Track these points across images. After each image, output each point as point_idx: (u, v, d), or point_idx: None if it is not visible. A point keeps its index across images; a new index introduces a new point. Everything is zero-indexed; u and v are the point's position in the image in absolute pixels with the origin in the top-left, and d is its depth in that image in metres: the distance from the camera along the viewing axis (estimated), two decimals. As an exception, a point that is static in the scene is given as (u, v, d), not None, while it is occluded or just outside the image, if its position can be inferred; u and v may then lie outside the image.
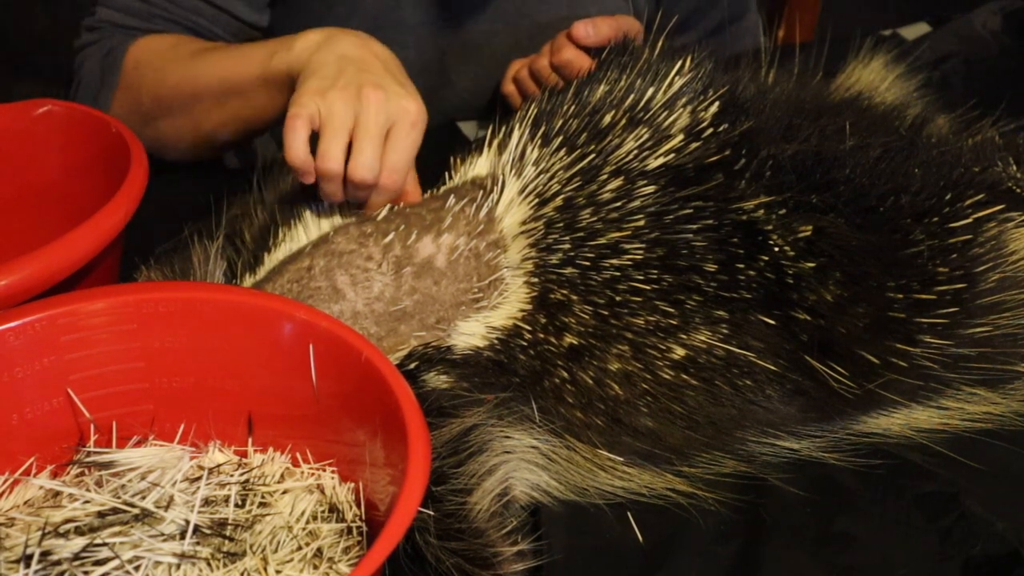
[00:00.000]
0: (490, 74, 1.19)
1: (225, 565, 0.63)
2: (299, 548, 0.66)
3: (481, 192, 0.82)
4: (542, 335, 0.76)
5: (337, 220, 0.85)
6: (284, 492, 0.70)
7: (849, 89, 1.00)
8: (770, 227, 0.76)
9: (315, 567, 0.65)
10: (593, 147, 0.80)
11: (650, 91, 0.82)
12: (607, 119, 0.81)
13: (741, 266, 0.76)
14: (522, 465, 0.74)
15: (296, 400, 0.71)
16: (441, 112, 1.27)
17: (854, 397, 0.76)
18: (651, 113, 0.81)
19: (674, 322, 0.75)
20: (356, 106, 0.81)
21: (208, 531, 0.65)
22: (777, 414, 0.77)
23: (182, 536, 0.64)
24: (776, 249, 0.76)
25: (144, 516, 0.65)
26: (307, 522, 0.68)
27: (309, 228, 0.84)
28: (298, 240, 0.84)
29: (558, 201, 0.79)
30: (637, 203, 0.77)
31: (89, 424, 0.72)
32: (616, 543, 0.72)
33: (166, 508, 0.66)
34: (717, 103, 0.81)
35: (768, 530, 0.73)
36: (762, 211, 0.76)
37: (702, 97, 0.82)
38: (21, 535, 0.63)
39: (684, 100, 0.82)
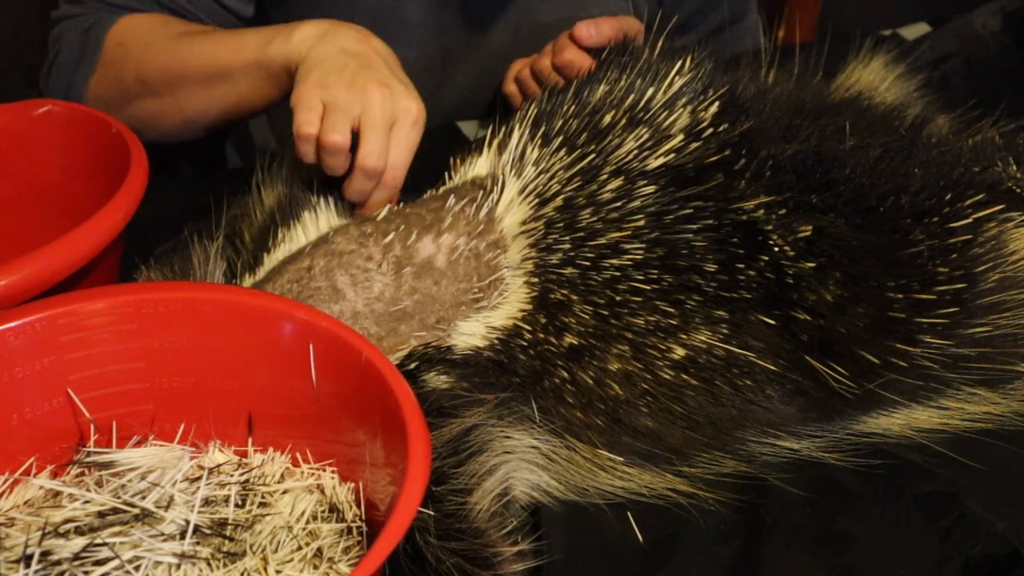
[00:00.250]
0: (491, 73, 1.19)
1: (225, 565, 0.63)
2: (299, 548, 0.66)
3: (481, 192, 0.82)
4: (542, 335, 0.76)
5: (337, 220, 0.85)
6: (284, 492, 0.70)
7: (849, 89, 1.00)
8: (770, 227, 0.76)
9: (315, 567, 0.65)
10: (593, 147, 0.80)
11: (650, 91, 0.82)
12: (607, 119, 0.81)
13: (741, 266, 0.76)
14: (522, 465, 0.74)
15: (296, 400, 0.71)
16: (442, 111, 1.27)
17: (854, 397, 0.76)
18: (651, 113, 0.81)
19: (674, 322, 0.75)
20: (362, 98, 0.81)
21: (208, 531, 0.65)
22: (777, 414, 0.77)
23: (182, 536, 0.64)
24: (776, 249, 0.76)
25: (144, 516, 0.65)
26: (307, 522, 0.68)
27: (308, 228, 0.84)
28: (297, 240, 0.84)
29: (558, 201, 0.79)
30: (637, 203, 0.77)
31: (89, 424, 0.72)
32: (616, 543, 0.72)
33: (166, 508, 0.66)
34: (717, 103, 0.81)
35: (768, 530, 0.73)
36: (762, 211, 0.76)
37: (702, 97, 0.82)
38: (21, 535, 0.63)
39: (684, 100, 0.82)
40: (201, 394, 0.73)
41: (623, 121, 0.81)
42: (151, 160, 0.85)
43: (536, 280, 0.77)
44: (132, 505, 0.66)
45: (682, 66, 0.83)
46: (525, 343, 0.76)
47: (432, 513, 0.66)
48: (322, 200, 0.86)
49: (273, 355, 0.71)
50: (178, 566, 0.62)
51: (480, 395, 0.73)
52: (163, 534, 0.64)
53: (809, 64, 0.98)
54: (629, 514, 0.74)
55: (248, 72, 0.93)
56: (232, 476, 0.70)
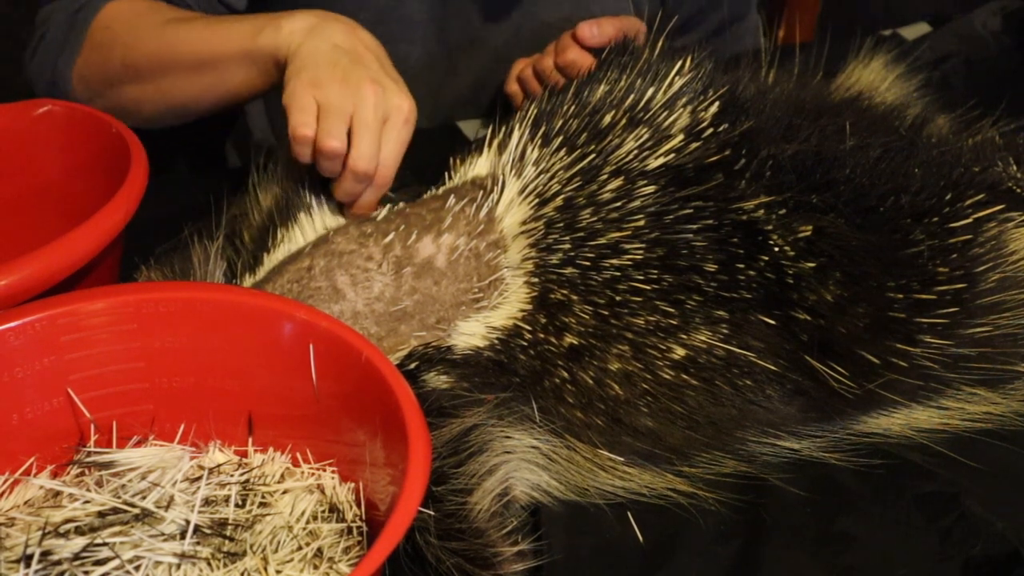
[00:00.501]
0: (493, 72, 1.19)
1: (225, 565, 0.63)
2: (299, 548, 0.66)
3: (481, 192, 0.82)
4: (542, 335, 0.76)
5: (336, 220, 0.85)
6: (284, 492, 0.70)
7: (849, 89, 1.00)
8: (770, 227, 0.76)
9: (315, 567, 0.65)
10: (593, 147, 0.80)
11: (650, 91, 0.82)
12: (607, 119, 0.81)
13: (741, 266, 0.76)
14: (522, 465, 0.74)
15: (296, 400, 0.71)
16: (444, 109, 1.27)
17: (854, 397, 0.76)
18: (651, 113, 0.81)
19: (674, 322, 0.75)
20: (354, 98, 0.81)
21: (208, 531, 0.65)
22: (777, 414, 0.77)
23: (182, 536, 0.64)
24: (776, 249, 0.76)
25: (144, 516, 0.65)
26: (307, 522, 0.68)
27: (306, 228, 0.84)
28: (297, 240, 0.84)
29: (558, 201, 0.79)
30: (637, 203, 0.77)
31: (89, 424, 0.72)
32: (616, 543, 0.72)
33: (166, 508, 0.66)
34: (717, 103, 0.81)
35: (768, 530, 0.73)
36: (762, 211, 0.76)
37: (702, 97, 0.82)
38: (21, 535, 0.63)
39: (684, 100, 0.82)
40: (201, 394, 0.73)
41: (623, 121, 0.81)
42: (151, 160, 0.84)
43: (536, 280, 0.77)
44: (132, 505, 0.66)
45: (682, 66, 0.83)
46: (525, 343, 0.76)
47: (432, 513, 0.66)
48: (318, 200, 0.86)
49: (273, 355, 0.71)
50: (178, 566, 0.62)
51: (480, 395, 0.73)
52: (163, 534, 0.64)
53: (809, 64, 0.98)
54: (629, 514, 0.74)
55: (236, 61, 0.93)
56: (232, 476, 0.70)
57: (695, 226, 0.76)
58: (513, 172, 0.82)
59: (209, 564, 0.63)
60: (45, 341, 0.69)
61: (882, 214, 0.78)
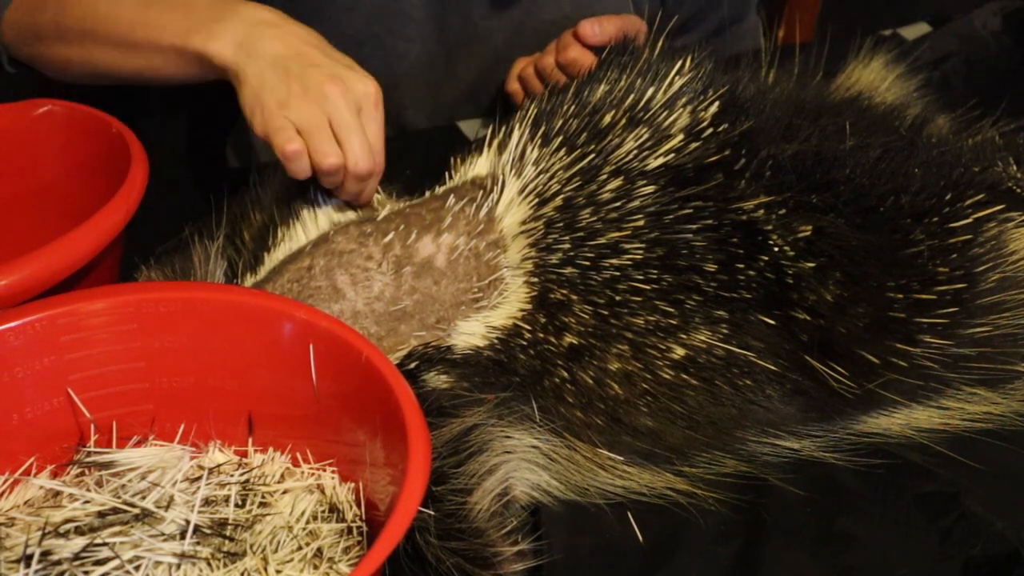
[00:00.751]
0: (494, 70, 1.19)
1: (225, 565, 0.63)
2: (299, 548, 0.66)
3: (481, 192, 0.82)
4: (542, 335, 0.76)
5: (337, 219, 0.85)
6: (284, 492, 0.70)
7: (849, 89, 1.00)
8: (770, 227, 0.76)
9: (315, 567, 0.65)
10: (593, 147, 0.80)
11: (650, 91, 0.82)
12: (607, 119, 0.81)
13: (741, 266, 0.76)
14: (522, 465, 0.74)
15: (296, 400, 0.71)
16: (444, 108, 1.27)
17: (854, 397, 0.76)
18: (651, 113, 0.81)
19: (674, 322, 0.75)
20: (324, 105, 0.80)
21: (208, 531, 0.65)
22: (777, 414, 0.77)
23: (182, 536, 0.64)
24: (776, 249, 0.76)
25: (144, 516, 0.65)
26: (307, 522, 0.68)
27: (308, 228, 0.84)
28: (297, 240, 0.84)
29: (558, 201, 0.79)
30: (637, 203, 0.77)
31: (89, 424, 0.72)
32: (616, 543, 0.72)
33: (166, 508, 0.66)
34: (717, 103, 0.81)
35: (768, 530, 0.73)
36: (762, 211, 0.76)
37: (702, 97, 0.82)
38: (21, 535, 0.63)
39: (684, 100, 0.82)
40: (201, 394, 0.73)
41: (623, 121, 0.81)
42: (151, 161, 0.85)
43: (536, 280, 0.77)
44: (132, 505, 0.66)
45: (682, 66, 0.83)
46: (525, 343, 0.76)
47: (432, 513, 0.66)
48: (318, 199, 0.86)
49: (273, 355, 0.71)
50: (178, 566, 0.62)
51: (480, 395, 0.73)
52: (163, 534, 0.64)
53: (809, 64, 0.98)
54: (629, 514, 0.74)
55: (165, 52, 0.91)
56: (232, 476, 0.70)
57: (695, 226, 0.76)
58: (513, 172, 0.82)
59: (209, 564, 0.63)
60: (45, 341, 0.69)
61: (882, 214, 0.78)
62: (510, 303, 0.77)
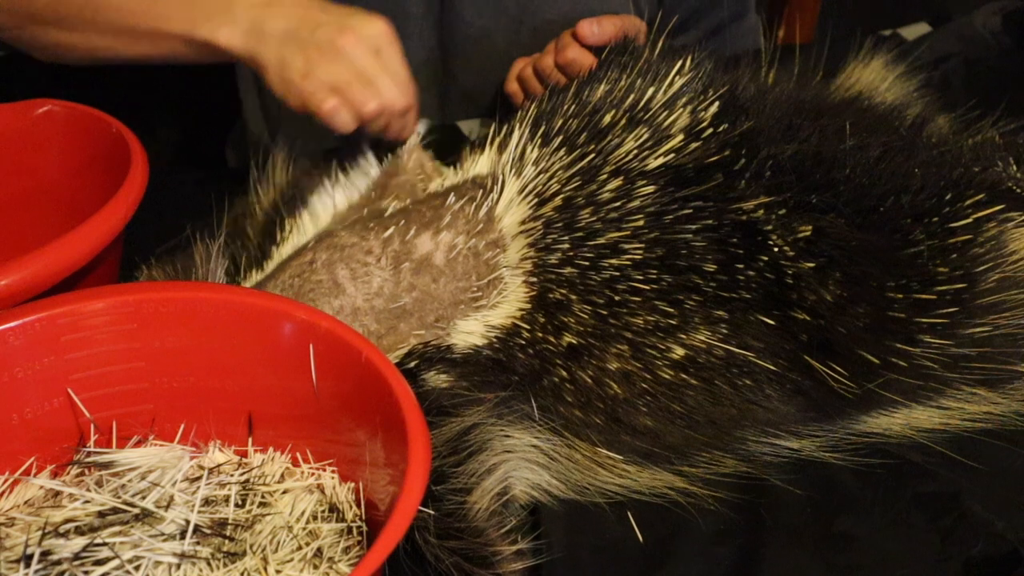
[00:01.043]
0: (493, 70, 1.19)
1: (225, 565, 0.63)
2: (299, 548, 0.66)
3: (481, 191, 0.82)
4: (541, 334, 0.76)
5: (341, 213, 0.85)
6: (284, 492, 0.70)
7: (849, 89, 1.00)
8: (770, 227, 0.76)
9: (315, 567, 0.65)
10: (593, 147, 0.80)
11: (650, 91, 0.82)
12: (607, 119, 0.81)
13: (741, 266, 0.76)
14: (522, 464, 0.74)
15: (296, 400, 0.71)
16: (444, 107, 1.27)
17: (854, 397, 0.76)
18: (651, 113, 0.81)
19: (673, 322, 0.75)
20: (345, 59, 0.82)
21: (208, 531, 0.65)
22: (777, 414, 0.77)
23: (182, 536, 0.64)
24: (776, 249, 0.76)
25: (144, 516, 0.65)
26: (307, 522, 0.68)
27: (314, 222, 0.85)
28: (304, 233, 0.84)
29: (557, 201, 0.79)
30: (637, 203, 0.77)
31: (89, 424, 0.72)
32: (616, 543, 0.72)
33: (166, 508, 0.66)
34: (717, 103, 0.81)
35: (768, 530, 0.73)
36: (762, 211, 0.76)
37: (702, 97, 0.82)
38: (21, 535, 0.64)
39: (684, 100, 0.82)
40: (201, 394, 0.73)
41: (623, 121, 0.81)
42: (151, 161, 0.85)
43: (535, 279, 0.77)
44: (132, 505, 0.66)
45: (682, 66, 0.83)
46: (524, 342, 0.76)
47: (432, 512, 0.66)
48: (324, 193, 0.86)
49: (273, 355, 0.71)
50: (178, 566, 0.62)
51: (479, 394, 0.73)
52: (163, 534, 0.64)
53: (809, 64, 0.98)
54: (629, 514, 0.74)
55: (172, 40, 0.91)
56: (232, 476, 0.70)
57: (695, 226, 0.76)
58: (513, 172, 0.82)
59: (209, 564, 0.63)
60: (45, 341, 0.69)
61: (882, 214, 0.78)
62: (509, 302, 0.77)
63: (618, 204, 0.77)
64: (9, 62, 1.33)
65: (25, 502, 0.69)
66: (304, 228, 0.84)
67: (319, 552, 0.66)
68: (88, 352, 0.70)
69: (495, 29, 1.19)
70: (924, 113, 1.00)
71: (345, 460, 0.71)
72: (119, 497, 0.67)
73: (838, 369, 0.75)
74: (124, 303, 0.70)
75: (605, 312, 0.75)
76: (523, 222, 0.79)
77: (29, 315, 0.68)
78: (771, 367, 0.76)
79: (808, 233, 0.75)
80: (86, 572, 0.61)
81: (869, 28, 1.15)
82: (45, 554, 0.62)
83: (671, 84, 0.82)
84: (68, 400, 0.71)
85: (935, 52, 1.22)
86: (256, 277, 0.82)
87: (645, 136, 0.80)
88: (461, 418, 0.71)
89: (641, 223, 0.77)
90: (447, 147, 0.95)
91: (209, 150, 1.48)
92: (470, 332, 0.76)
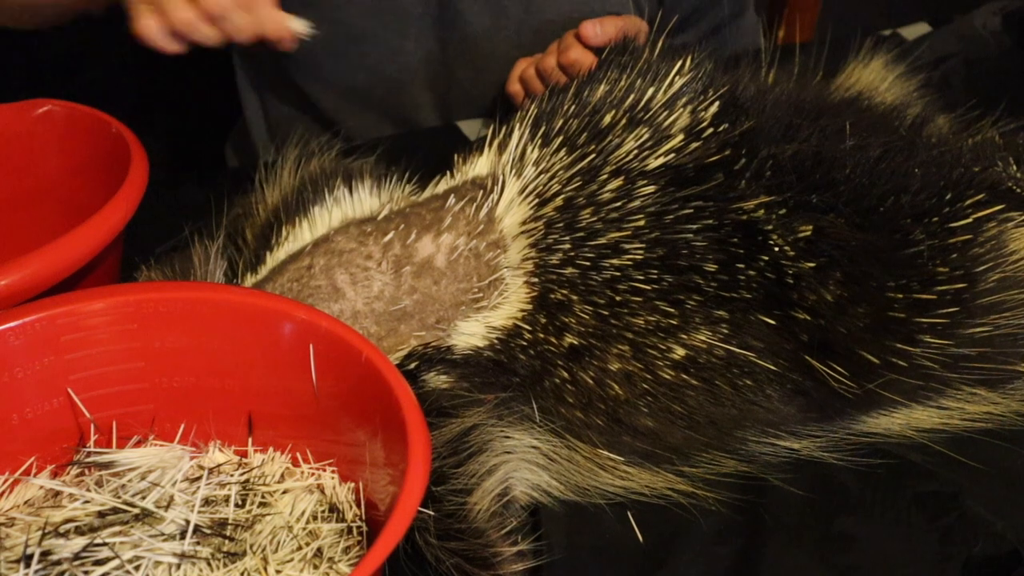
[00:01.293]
0: (494, 70, 1.19)
1: (225, 565, 0.63)
2: (299, 548, 0.66)
3: (481, 192, 0.82)
4: (542, 335, 0.76)
5: (338, 219, 0.85)
6: (284, 492, 0.70)
7: (849, 89, 1.00)
8: (770, 227, 0.76)
9: (315, 567, 0.65)
10: (593, 147, 0.80)
11: (650, 91, 0.82)
12: (607, 119, 0.81)
13: (741, 266, 0.76)
14: (522, 465, 0.74)
15: (296, 400, 0.71)
16: (444, 107, 1.27)
17: (854, 397, 0.76)
18: (651, 113, 0.81)
19: (674, 322, 0.75)
20: None
21: (208, 531, 0.65)
22: (777, 414, 0.77)
23: (182, 536, 0.64)
24: (776, 249, 0.76)
25: (144, 516, 0.65)
26: (307, 522, 0.68)
27: (311, 226, 0.84)
28: (301, 238, 0.84)
29: (558, 201, 0.79)
30: (637, 203, 0.77)
31: (89, 424, 0.72)
32: (616, 543, 0.72)
33: (166, 508, 0.66)
34: (717, 103, 0.81)
35: (768, 530, 0.73)
36: (762, 211, 0.76)
37: (702, 97, 0.82)
38: (21, 535, 0.64)
39: (684, 100, 0.82)
40: (201, 394, 0.73)
41: (623, 121, 0.81)
42: (151, 160, 0.85)
43: (536, 280, 0.77)
44: (132, 505, 0.66)
45: (682, 66, 0.83)
46: (525, 343, 0.76)
47: (432, 513, 0.66)
48: (329, 196, 0.86)
49: (273, 355, 0.71)
50: (178, 566, 0.62)
51: (480, 395, 0.73)
52: (163, 534, 0.64)
53: (809, 64, 0.98)
54: (629, 514, 0.74)
55: None
56: (232, 476, 0.70)
57: (695, 226, 0.76)
58: (513, 172, 0.82)
59: (209, 564, 0.63)
60: (45, 341, 0.69)
61: (882, 214, 0.78)
62: (510, 303, 0.77)
63: (619, 204, 0.77)
64: (9, 62, 1.33)
65: (25, 502, 0.69)
66: (301, 234, 0.84)
67: (319, 552, 0.66)
68: (88, 352, 0.70)
69: (496, 29, 1.19)
70: (924, 113, 1.00)
71: (345, 460, 0.71)
72: (119, 497, 0.67)
73: (838, 369, 0.75)
74: (124, 303, 0.70)
75: (606, 312, 0.75)
76: (524, 223, 0.79)
77: (29, 315, 0.68)
78: (772, 367, 0.76)
79: (808, 233, 0.75)
80: (86, 572, 0.61)
81: (869, 28, 1.15)
82: (45, 554, 0.62)
83: (671, 84, 0.82)
84: (68, 400, 0.71)
85: (935, 52, 1.22)
86: (251, 280, 0.82)
87: (645, 136, 0.80)
88: (461, 419, 0.71)
89: (642, 223, 0.77)
90: (447, 147, 0.95)
91: (209, 150, 1.48)
92: (471, 333, 0.76)
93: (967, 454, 0.76)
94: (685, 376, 0.75)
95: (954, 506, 0.74)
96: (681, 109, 0.81)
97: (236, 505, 0.68)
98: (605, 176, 0.79)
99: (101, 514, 0.66)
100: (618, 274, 0.76)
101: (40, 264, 0.73)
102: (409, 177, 0.89)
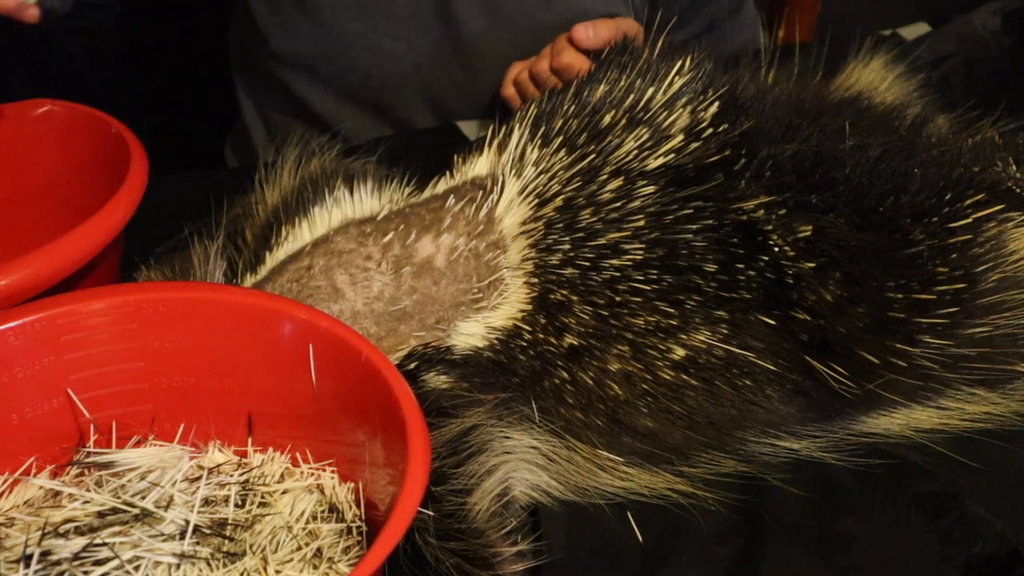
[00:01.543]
0: (490, 71, 1.19)
1: (225, 565, 0.63)
2: (299, 548, 0.66)
3: (481, 192, 0.82)
4: (542, 335, 0.76)
5: (338, 219, 0.85)
6: (284, 492, 0.70)
7: (849, 89, 1.00)
8: (770, 227, 0.76)
9: (315, 567, 0.65)
10: (593, 147, 0.80)
11: (650, 91, 0.82)
12: (607, 119, 0.81)
13: (741, 266, 0.76)
14: (522, 465, 0.74)
15: (296, 400, 0.71)
16: (439, 109, 1.27)
17: (854, 397, 0.76)
18: (651, 113, 0.81)
19: (674, 322, 0.75)
20: None
21: (208, 531, 0.65)
22: (777, 414, 0.77)
23: (182, 536, 0.64)
24: (776, 249, 0.76)
25: (144, 516, 0.65)
26: (307, 522, 0.68)
27: (311, 226, 0.84)
28: (300, 239, 0.84)
29: (558, 201, 0.79)
30: (637, 203, 0.77)
31: (89, 424, 0.72)
32: (616, 543, 0.72)
33: (166, 508, 0.66)
34: (717, 103, 0.81)
35: (768, 530, 0.73)
36: (762, 211, 0.76)
37: (702, 97, 0.82)
38: (21, 535, 0.63)
39: (684, 100, 0.82)
40: (201, 394, 0.73)
41: (623, 121, 0.81)
42: (151, 160, 0.85)
43: (536, 280, 0.77)
44: (132, 505, 0.66)
45: (682, 66, 0.83)
46: (525, 343, 0.76)
47: (432, 513, 0.66)
48: (329, 196, 0.86)
49: (273, 355, 0.71)
50: (178, 566, 0.62)
51: (480, 395, 0.73)
52: (163, 534, 0.64)
53: (809, 64, 0.98)
54: (629, 514, 0.74)
55: None
56: (232, 476, 0.70)
57: (695, 226, 0.76)
58: (513, 172, 0.82)
59: (209, 564, 0.63)
60: (45, 341, 0.69)
61: (882, 214, 0.78)
62: (510, 304, 0.77)
63: (618, 204, 0.77)
64: (9, 62, 1.33)
65: (25, 502, 0.69)
66: (301, 234, 0.84)
67: (319, 552, 0.66)
68: (88, 352, 0.70)
69: (489, 30, 1.19)
70: (924, 113, 1.00)
71: (345, 460, 0.71)
72: (119, 497, 0.67)
73: (838, 369, 0.75)
74: (124, 303, 0.70)
75: (606, 313, 0.75)
76: (524, 223, 0.79)
77: (29, 315, 0.68)
78: (771, 367, 0.76)
79: (808, 233, 0.75)
80: (86, 572, 0.61)
81: (869, 28, 1.15)
82: (45, 554, 0.62)
83: (671, 84, 0.82)
84: (68, 400, 0.71)
85: (935, 52, 1.22)
86: (251, 281, 0.82)
87: (645, 136, 0.80)
88: (461, 419, 0.71)
89: (642, 223, 0.76)
90: (447, 147, 0.95)
91: (209, 150, 1.48)
92: (471, 333, 0.76)
93: (967, 454, 0.76)
94: (685, 376, 0.75)
95: (954, 506, 0.74)
96: (681, 109, 0.81)
97: (236, 505, 0.68)
98: (605, 176, 0.79)
99: (101, 514, 0.66)
100: (618, 274, 0.76)
101: (40, 264, 0.73)
102: (409, 177, 0.90)
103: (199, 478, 0.69)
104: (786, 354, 0.76)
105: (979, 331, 0.77)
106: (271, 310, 0.70)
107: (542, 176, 0.80)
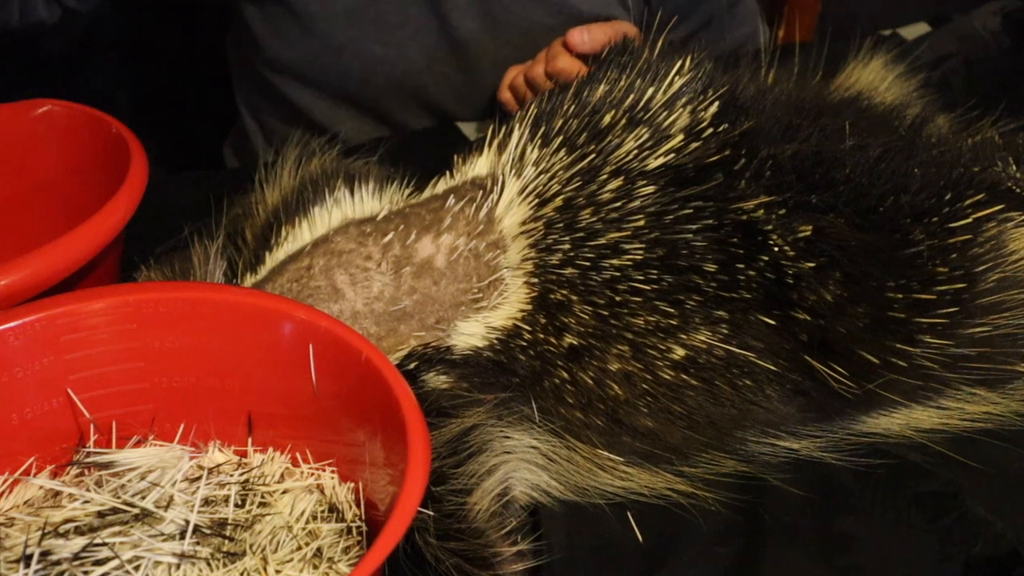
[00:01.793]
0: (486, 72, 1.19)
1: (225, 565, 0.63)
2: (299, 548, 0.66)
3: (481, 192, 0.82)
4: (542, 335, 0.76)
5: (338, 219, 0.85)
6: (284, 492, 0.70)
7: (849, 89, 1.00)
8: (770, 227, 0.76)
9: (315, 567, 0.65)
10: (593, 147, 0.80)
11: (650, 91, 0.82)
12: (607, 119, 0.81)
13: (741, 266, 0.76)
14: (522, 465, 0.74)
15: (296, 400, 0.71)
16: (436, 112, 1.27)
17: (854, 397, 0.76)
18: (651, 113, 0.81)
19: (674, 322, 0.75)
20: None
21: (208, 531, 0.65)
22: (777, 414, 0.77)
23: (182, 536, 0.64)
24: (776, 249, 0.76)
25: (144, 516, 0.65)
26: (307, 522, 0.68)
27: (311, 227, 0.84)
28: (300, 239, 0.84)
29: (558, 201, 0.79)
30: (637, 203, 0.77)
31: (89, 424, 0.72)
32: (616, 543, 0.72)
33: (166, 508, 0.66)
34: (717, 103, 0.81)
35: (768, 530, 0.73)
36: (762, 211, 0.76)
37: (702, 97, 0.82)
38: (21, 535, 0.63)
39: (684, 100, 0.82)
40: (201, 394, 0.73)
41: (623, 121, 0.81)
42: (151, 160, 0.85)
43: (536, 280, 0.77)
44: (132, 505, 0.66)
45: (682, 66, 0.83)
46: (525, 343, 0.76)
47: (432, 513, 0.66)
48: (329, 196, 0.86)
49: (273, 355, 0.71)
50: (178, 566, 0.62)
51: (480, 395, 0.73)
52: (163, 534, 0.64)
53: (809, 64, 0.98)
54: (629, 514, 0.74)
55: None
56: (232, 476, 0.70)
57: (695, 226, 0.76)
58: (513, 172, 0.82)
59: (209, 564, 0.63)
60: (45, 341, 0.69)
61: (882, 214, 0.78)
62: (510, 304, 0.77)
63: (618, 204, 0.77)
64: (8, 62, 1.33)
65: (25, 502, 0.69)
66: (301, 234, 0.84)
67: (319, 552, 0.66)
68: (88, 352, 0.70)
69: (483, 31, 1.19)
70: (924, 113, 1.00)
71: (345, 460, 0.71)
72: (119, 497, 0.67)
73: (838, 369, 0.75)
74: (124, 303, 0.70)
75: (606, 313, 0.75)
76: (524, 223, 0.79)
77: (29, 315, 0.68)
78: (771, 367, 0.76)
79: (808, 233, 0.75)
80: (86, 572, 0.61)
81: (869, 28, 1.15)
82: (45, 554, 0.62)
83: (671, 84, 0.82)
84: (68, 400, 0.71)
85: (935, 52, 1.22)
86: (251, 281, 0.82)
87: (645, 136, 0.80)
88: (461, 419, 0.71)
89: (642, 223, 0.77)
90: (447, 147, 0.95)
91: (208, 150, 1.48)
92: (471, 333, 0.76)
93: (967, 454, 0.76)
94: (685, 376, 0.75)
95: (954, 506, 0.74)
96: (681, 109, 0.81)
97: (236, 505, 0.68)
98: (605, 176, 0.79)
99: (101, 514, 0.66)
100: (618, 274, 0.76)
101: (40, 264, 0.73)
102: (409, 177, 0.90)
103: (199, 478, 0.69)
104: (786, 354, 0.76)
105: (979, 331, 0.77)
106: (271, 310, 0.70)
107: (542, 176, 0.80)
